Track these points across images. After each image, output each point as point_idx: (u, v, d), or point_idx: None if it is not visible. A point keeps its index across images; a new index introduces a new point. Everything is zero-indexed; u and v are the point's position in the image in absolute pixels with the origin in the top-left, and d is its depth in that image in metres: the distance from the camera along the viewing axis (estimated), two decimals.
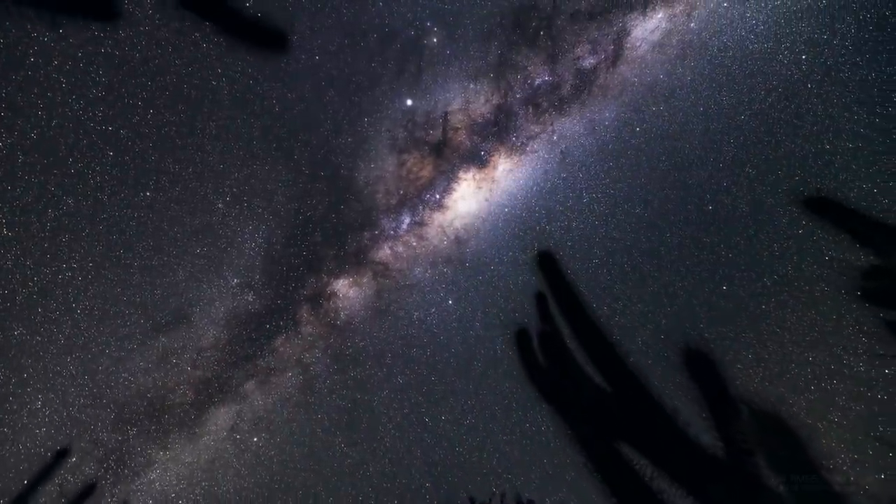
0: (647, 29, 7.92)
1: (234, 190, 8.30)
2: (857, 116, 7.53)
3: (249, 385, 8.67)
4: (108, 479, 8.06)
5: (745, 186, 8.04)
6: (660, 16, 7.88)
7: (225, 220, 8.41)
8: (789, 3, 7.53)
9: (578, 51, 8.12)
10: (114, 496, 8.10)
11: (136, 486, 8.27)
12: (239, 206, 8.37)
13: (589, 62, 8.15)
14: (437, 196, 8.68)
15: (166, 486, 8.40)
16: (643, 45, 8.04)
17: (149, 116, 7.63)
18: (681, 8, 7.83)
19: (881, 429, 7.13)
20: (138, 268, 8.06)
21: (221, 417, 8.62)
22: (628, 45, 8.06)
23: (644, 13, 7.85)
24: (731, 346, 8.08)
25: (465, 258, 8.80)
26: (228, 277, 8.36)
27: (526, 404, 8.72)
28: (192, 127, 7.97)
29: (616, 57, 8.08)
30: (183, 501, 8.37)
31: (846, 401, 7.38)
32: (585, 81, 8.20)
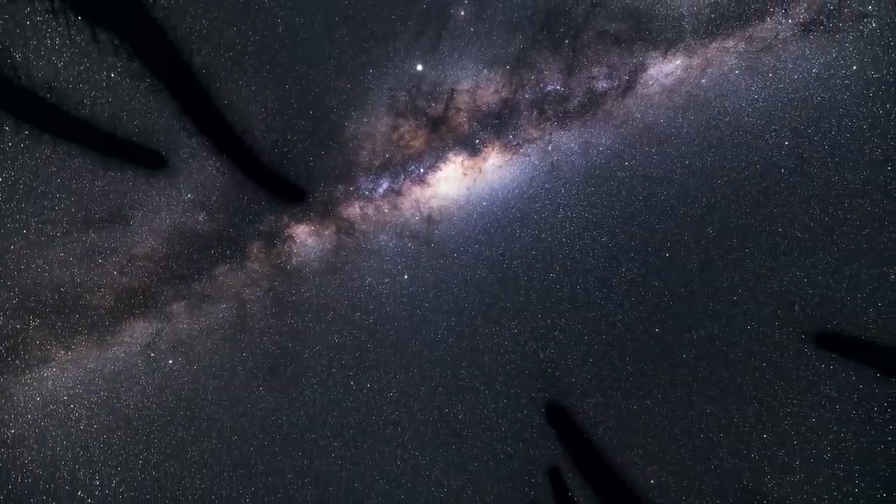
0: (662, 71, 8.13)
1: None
2: (811, 210, 8.26)
3: (177, 306, 8.24)
4: None
5: (701, 244, 8.62)
6: (677, 62, 8.10)
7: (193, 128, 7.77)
8: (790, 89, 8.01)
9: (595, 71, 8.20)
10: None
11: (26, 380, 7.70)
12: None
13: (602, 85, 8.25)
14: (422, 170, 8.55)
15: (60, 386, 7.88)
16: (655, 85, 8.25)
17: None
18: (698, 62, 8.09)
19: (746, 483, 8.11)
20: (82, 152, 7.30)
21: (138, 331, 8.15)
22: (641, 81, 8.25)
23: (665, 55, 8.03)
24: (645, 385, 8.77)
25: (432, 239, 8.79)
26: (182, 190, 7.80)
27: (449, 390, 9.01)
28: (179, 20, 7.22)
29: (627, 88, 8.25)
30: (75, 406, 7.91)
31: (725, 453, 8.30)
32: (593, 103, 8.32)
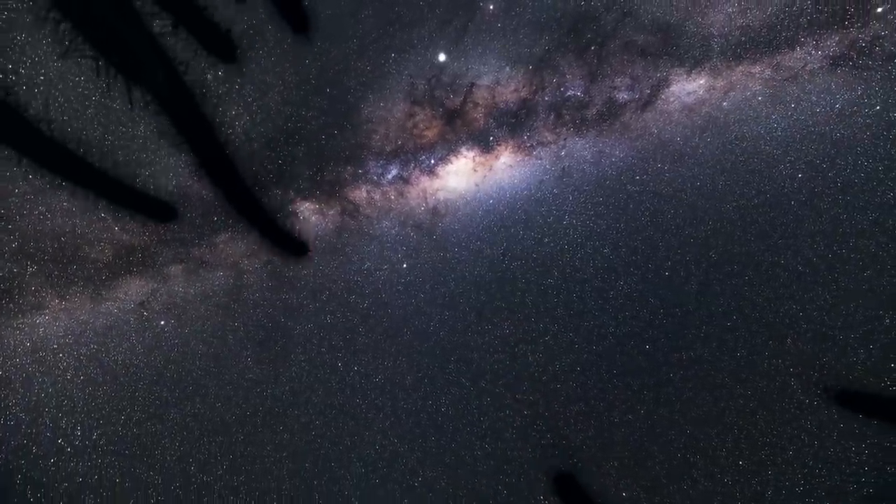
0: (685, 89, 8.06)
1: (230, 66, 7.61)
2: (815, 246, 8.24)
3: (175, 268, 8.26)
4: None
5: (702, 267, 8.61)
6: (701, 82, 8.03)
7: (208, 94, 7.73)
8: (810, 122, 7.95)
9: (618, 81, 8.12)
10: None
11: (18, 325, 7.74)
12: (228, 86, 7.72)
13: (622, 96, 8.19)
14: (432, 161, 8.51)
15: (51, 335, 7.92)
16: (675, 102, 8.18)
17: None
18: (721, 84, 8.01)
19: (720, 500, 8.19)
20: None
21: (134, 289, 8.18)
22: (662, 97, 8.18)
23: (689, 73, 7.95)
24: (629, 399, 8.81)
25: (435, 231, 8.78)
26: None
27: (435, 383, 9.06)
28: None
29: (647, 102, 8.18)
30: (64, 356, 7.96)
31: (699, 475, 8.37)
32: (611, 113, 8.26)
